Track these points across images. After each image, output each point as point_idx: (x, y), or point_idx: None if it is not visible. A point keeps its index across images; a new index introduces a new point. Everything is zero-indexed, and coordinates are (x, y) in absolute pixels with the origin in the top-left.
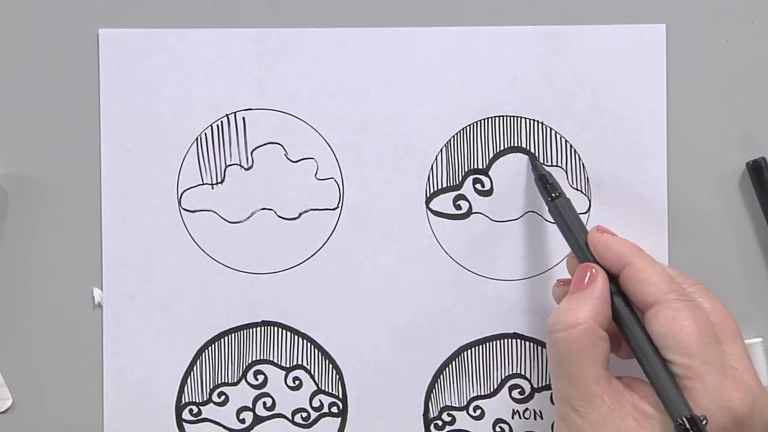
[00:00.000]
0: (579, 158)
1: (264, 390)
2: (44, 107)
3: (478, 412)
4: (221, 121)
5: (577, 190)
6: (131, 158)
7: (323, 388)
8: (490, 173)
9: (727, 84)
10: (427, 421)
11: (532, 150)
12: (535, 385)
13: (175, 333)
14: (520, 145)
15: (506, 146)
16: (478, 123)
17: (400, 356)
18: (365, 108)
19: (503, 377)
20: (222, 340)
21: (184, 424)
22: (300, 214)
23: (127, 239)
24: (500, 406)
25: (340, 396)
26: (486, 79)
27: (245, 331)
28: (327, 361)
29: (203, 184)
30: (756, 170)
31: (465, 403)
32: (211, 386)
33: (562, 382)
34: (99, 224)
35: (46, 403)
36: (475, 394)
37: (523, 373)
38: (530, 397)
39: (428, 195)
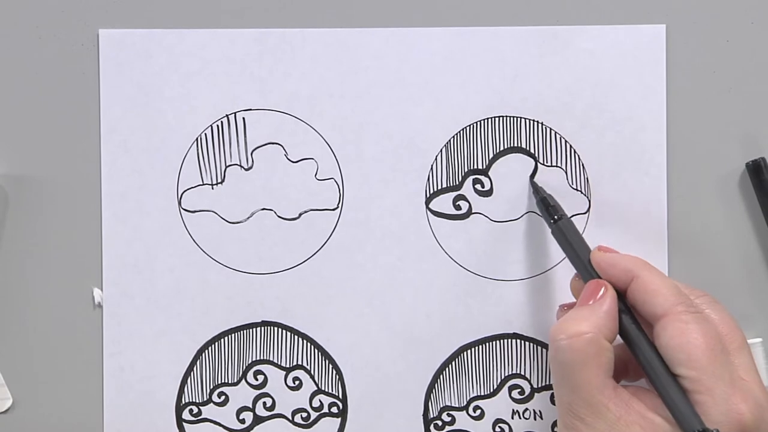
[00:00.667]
0: (579, 158)
1: (264, 390)
2: (45, 107)
3: (478, 412)
4: (221, 122)
5: (576, 190)
6: (131, 158)
7: (323, 388)
8: (490, 173)
9: (726, 84)
10: (427, 421)
11: (532, 150)
12: (535, 386)
13: (175, 333)
14: (520, 145)
15: (506, 146)
16: (478, 123)
17: (400, 356)
18: (365, 108)
19: (503, 377)
20: (222, 340)
21: (184, 424)
22: (300, 215)
23: (128, 239)
24: (500, 406)
25: (340, 396)
26: (486, 80)
27: (245, 331)
28: (327, 361)
29: (203, 185)
30: (756, 170)
31: (465, 403)
32: (211, 386)
33: (565, 391)
34: (99, 224)
35: (47, 403)
36: (475, 394)
37: (523, 373)
38: (530, 397)
39: (428, 195)
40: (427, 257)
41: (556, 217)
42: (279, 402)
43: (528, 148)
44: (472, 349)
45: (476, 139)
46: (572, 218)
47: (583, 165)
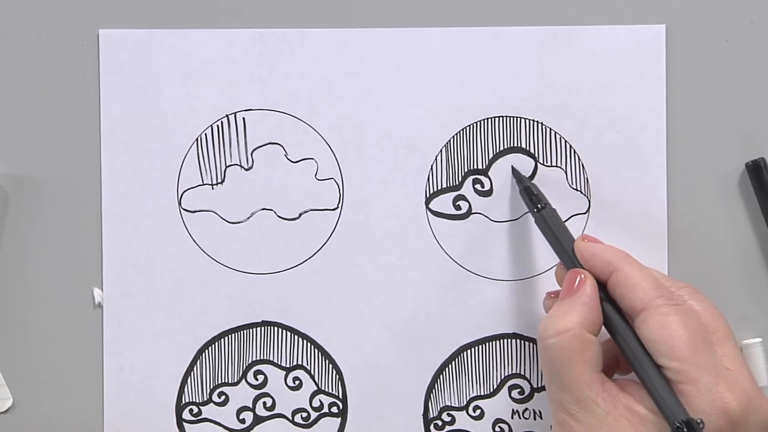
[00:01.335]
0: (578, 158)
1: (264, 390)
2: (45, 108)
3: (478, 412)
4: (221, 122)
5: (576, 190)
6: (132, 158)
7: (323, 388)
8: (489, 173)
9: (726, 84)
10: (427, 421)
11: (532, 150)
12: (535, 385)
13: (175, 333)
14: (520, 145)
15: (506, 147)
16: (478, 123)
17: (400, 356)
18: (365, 108)
19: (503, 377)
20: (222, 340)
21: (184, 424)
22: (300, 215)
23: (128, 239)
24: (500, 406)
25: (340, 396)
26: (486, 80)
27: (245, 331)
28: (327, 361)
29: (203, 185)
30: (755, 171)
31: (465, 403)
32: (212, 386)
33: (555, 387)
34: (99, 224)
35: (47, 403)
36: (475, 394)
37: (522, 373)
38: (530, 397)
39: (428, 195)
40: (427, 257)
41: (539, 205)
42: (279, 402)
43: (528, 148)
44: (472, 349)
45: (476, 139)
46: (572, 218)
47: (582, 165)
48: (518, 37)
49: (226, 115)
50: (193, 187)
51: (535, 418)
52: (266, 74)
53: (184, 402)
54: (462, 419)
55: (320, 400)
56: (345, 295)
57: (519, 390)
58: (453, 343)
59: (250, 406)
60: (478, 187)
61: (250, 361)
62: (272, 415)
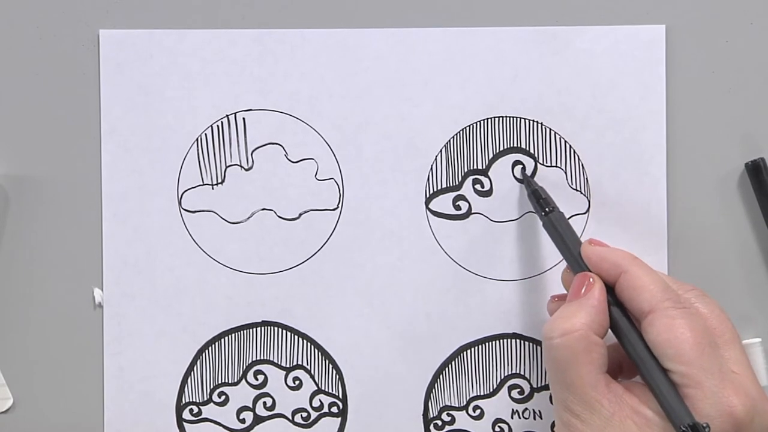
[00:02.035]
0: (578, 159)
1: (264, 390)
2: (45, 108)
3: (478, 411)
4: (221, 122)
5: (576, 190)
6: (132, 158)
7: (323, 388)
8: (489, 174)
9: (726, 85)
10: (427, 421)
11: (532, 150)
12: (535, 385)
13: (175, 333)
14: (519, 145)
15: (506, 147)
16: (478, 123)
17: (399, 356)
18: (365, 108)
19: (503, 377)
20: (222, 340)
21: (184, 423)
22: (300, 215)
23: (128, 239)
24: (500, 405)
25: (340, 396)
26: (486, 80)
27: (245, 331)
28: (327, 361)
29: (203, 185)
30: (755, 171)
31: (464, 402)
32: (212, 386)
33: (560, 388)
34: (99, 224)
35: (47, 403)
36: (475, 394)
37: (522, 373)
38: (530, 397)
39: (428, 195)
40: (427, 257)
41: (547, 209)
42: (279, 402)
43: (528, 149)
44: (472, 349)
45: (476, 139)
46: (572, 218)
47: (582, 165)
48: (518, 38)
49: (227, 115)
50: (193, 187)
51: (534, 418)
52: (266, 74)
53: (184, 402)
54: (462, 419)
55: (320, 400)
56: (345, 295)
57: (519, 390)
58: (453, 343)
59: (251, 406)
60: (478, 187)
61: (250, 361)
62: (272, 414)
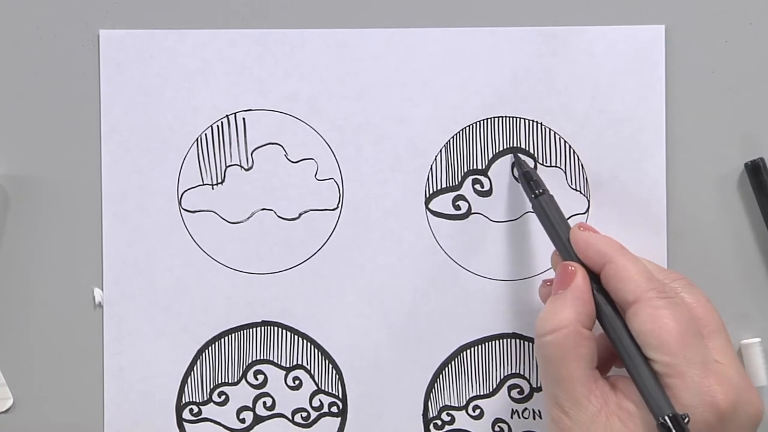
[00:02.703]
0: (578, 159)
1: (264, 390)
2: (45, 108)
3: (478, 411)
4: (221, 122)
5: (576, 190)
6: (132, 159)
7: (323, 388)
8: (489, 174)
9: (726, 85)
10: (427, 421)
11: (531, 150)
12: (534, 385)
13: (175, 333)
14: (519, 145)
15: (505, 147)
16: (478, 124)
17: (399, 356)
18: (365, 109)
19: (502, 377)
20: (222, 340)
21: (184, 423)
22: (300, 215)
23: (128, 239)
24: (499, 405)
25: (340, 396)
26: (485, 80)
27: (245, 331)
28: (327, 361)
29: (203, 185)
30: (754, 171)
31: (464, 402)
32: (212, 386)
33: (550, 384)
34: (99, 224)
35: (47, 403)
36: (475, 394)
37: (522, 372)
38: (529, 396)
39: (428, 195)
40: (427, 257)
41: (537, 191)
42: (279, 402)
43: (527, 149)
44: (472, 349)
45: (476, 139)
46: (572, 218)
47: (582, 165)
48: (518, 38)
49: (227, 116)
50: (193, 187)
51: (534, 418)
52: (266, 74)
53: (184, 402)
54: (461, 419)
55: (320, 400)
56: (345, 295)
57: (518, 390)
58: (453, 343)
59: (250, 405)
60: (477, 187)
61: (250, 361)
62: (272, 414)
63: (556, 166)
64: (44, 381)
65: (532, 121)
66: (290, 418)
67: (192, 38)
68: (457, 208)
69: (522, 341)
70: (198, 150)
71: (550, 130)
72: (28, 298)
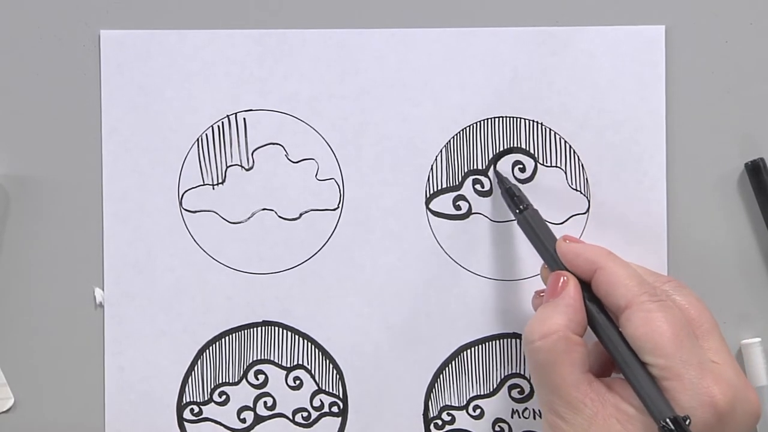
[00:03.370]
0: (578, 159)
1: (265, 390)
2: (46, 108)
3: (478, 411)
4: (222, 122)
5: (576, 190)
6: (132, 159)
7: (324, 388)
8: (489, 174)
9: (726, 85)
10: (427, 421)
11: (532, 151)
12: None
13: (176, 333)
14: (519, 145)
15: (506, 147)
16: (478, 124)
17: (400, 356)
18: (365, 109)
19: (503, 377)
20: (223, 339)
21: (185, 423)
22: (300, 215)
23: (129, 239)
24: (500, 405)
25: (341, 395)
26: (485, 80)
27: (246, 331)
28: (327, 361)
29: (204, 185)
30: (754, 171)
31: (465, 402)
32: (212, 386)
33: (544, 390)
34: (100, 224)
35: (48, 403)
36: (475, 394)
37: (522, 372)
38: (529, 396)
39: (428, 195)
40: (427, 257)
41: (521, 207)
42: (280, 401)
43: (527, 149)
44: (472, 349)
45: (476, 139)
46: (572, 218)
47: (582, 165)
48: (518, 38)
49: (227, 116)
50: (193, 187)
51: (534, 418)
52: (267, 75)
53: (184, 401)
54: (462, 419)
55: (321, 400)
56: (345, 295)
57: (519, 389)
58: (453, 343)
59: (251, 405)
60: (478, 187)
61: (250, 361)
62: (273, 414)
63: (556, 166)
64: (45, 380)
65: (532, 121)
66: (291, 418)
67: (192, 38)
68: (458, 208)
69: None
70: (199, 150)
71: (550, 130)
72: (29, 298)
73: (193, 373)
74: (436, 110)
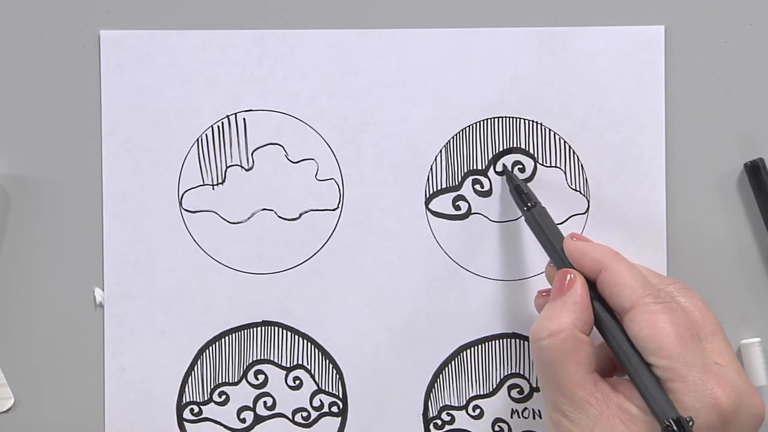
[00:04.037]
0: (578, 159)
1: (264, 390)
2: (46, 108)
3: (478, 411)
4: (222, 122)
5: (575, 190)
6: (132, 159)
7: (323, 388)
8: (489, 174)
9: (725, 85)
10: (427, 421)
11: (531, 151)
12: (534, 385)
13: (176, 333)
14: (519, 146)
15: (505, 147)
16: (478, 124)
17: (399, 356)
18: (365, 109)
19: (502, 377)
20: (223, 339)
21: (185, 423)
22: (300, 215)
23: (129, 240)
24: (499, 405)
25: (341, 395)
26: (485, 81)
27: (246, 331)
28: (327, 361)
29: (204, 185)
30: (754, 171)
31: (464, 402)
32: (212, 386)
33: (550, 389)
34: (100, 225)
35: (48, 403)
36: (475, 394)
37: (522, 372)
38: (529, 396)
39: (428, 195)
40: (427, 257)
41: (529, 204)
42: (279, 401)
43: (527, 149)
44: (472, 349)
45: (476, 139)
46: (571, 218)
47: (582, 165)
48: (517, 38)
49: (227, 116)
50: (193, 188)
51: (534, 418)
52: (267, 75)
53: (184, 401)
54: (461, 419)
55: (320, 400)
56: (345, 295)
57: (518, 389)
58: (452, 343)
59: (251, 405)
60: (477, 187)
61: (250, 361)
62: (273, 414)
63: (556, 167)
64: (45, 380)
65: (532, 121)
66: (291, 417)
67: (192, 39)
68: (457, 208)
69: (522, 341)
70: (198, 150)
71: (550, 130)
72: (30, 298)
73: (193, 373)
74: (436, 110)
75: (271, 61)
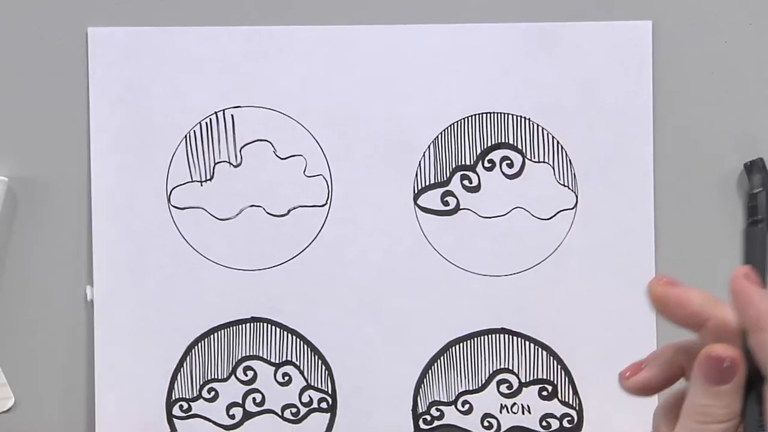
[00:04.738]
0: (566, 154)
1: (254, 386)
2: (33, 106)
3: (467, 406)
4: (210, 119)
5: (564, 186)
6: (120, 156)
7: (313, 384)
8: (477, 169)
9: (725, 85)
10: (416, 416)
11: (519, 146)
12: (523, 380)
13: (165, 329)
14: (507, 141)
15: (494, 143)
16: (466, 120)
17: (388, 352)
18: (354, 105)
19: (491, 372)
20: (211, 336)
21: (174, 419)
22: (289, 211)
23: (117, 237)
24: (488, 400)
25: (330, 391)
26: (474, 76)
27: (235, 327)
28: (316, 357)
29: (192, 182)
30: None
31: (453, 397)
32: (201, 382)
33: None
34: (89, 222)
35: (48, 402)
36: (464, 389)
37: (510, 367)
38: (518, 391)
39: (416, 191)
40: (416, 253)
41: (756, 218)
42: (269, 397)
43: (516, 144)
44: (461, 344)
45: (464, 135)
46: (559, 214)
47: (570, 161)
48: (506, 34)
49: (215, 112)
50: (182, 184)
51: (523, 413)
52: (255, 71)
53: (174, 398)
54: (451, 414)
55: (310, 396)
56: (334, 291)
57: (507, 384)
58: (441, 339)
59: (240, 401)
60: (466, 183)
61: (239, 357)
62: (262, 410)
63: (544, 162)
64: (45, 380)
65: (521, 117)
66: (280, 413)
67: (180, 35)
68: (446, 203)
69: (510, 336)
70: (187, 147)
71: (538, 125)
72: (22, 297)
73: (182, 369)
74: (424, 106)
75: (258, 58)
